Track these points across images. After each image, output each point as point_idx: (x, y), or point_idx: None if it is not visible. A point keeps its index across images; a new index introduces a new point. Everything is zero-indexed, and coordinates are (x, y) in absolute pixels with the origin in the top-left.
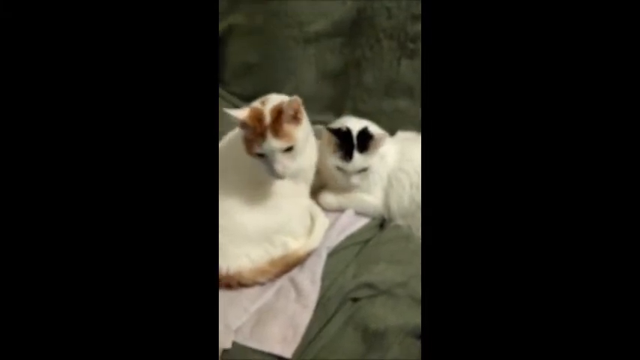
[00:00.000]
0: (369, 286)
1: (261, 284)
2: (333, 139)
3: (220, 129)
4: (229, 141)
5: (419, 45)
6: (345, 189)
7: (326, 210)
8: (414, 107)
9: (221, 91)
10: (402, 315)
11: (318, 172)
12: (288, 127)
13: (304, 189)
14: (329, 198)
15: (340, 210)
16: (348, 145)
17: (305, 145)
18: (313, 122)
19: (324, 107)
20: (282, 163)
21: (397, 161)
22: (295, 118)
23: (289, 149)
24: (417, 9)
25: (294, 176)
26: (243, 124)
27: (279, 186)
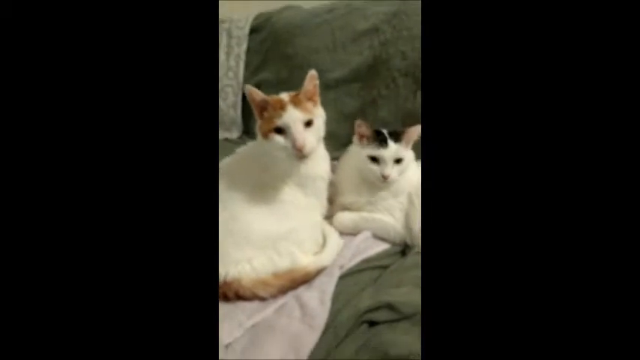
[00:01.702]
0: (390, 307)
1: (262, 299)
2: (367, 130)
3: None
4: (242, 150)
5: None
6: (374, 189)
7: (341, 232)
8: None
9: (245, 139)
10: None
11: (337, 186)
12: (307, 103)
13: (315, 204)
14: (344, 217)
15: (356, 232)
16: (382, 136)
17: (319, 132)
18: (330, 159)
19: (340, 145)
20: (303, 135)
21: (418, 180)
22: (312, 100)
23: (309, 124)
24: None
25: (304, 184)
26: (263, 101)
27: (290, 195)
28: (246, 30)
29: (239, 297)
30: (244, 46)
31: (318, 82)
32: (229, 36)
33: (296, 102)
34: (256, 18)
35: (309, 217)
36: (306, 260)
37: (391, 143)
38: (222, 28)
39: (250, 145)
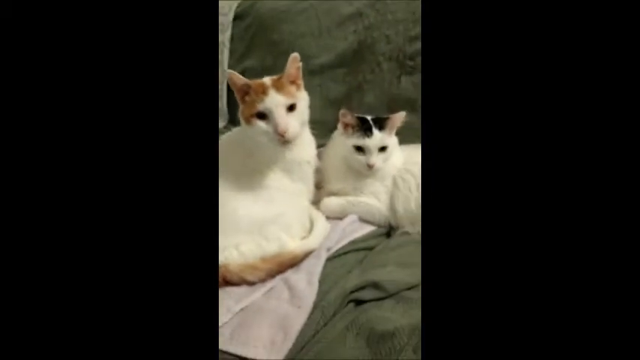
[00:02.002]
0: (375, 286)
1: (250, 284)
2: (352, 119)
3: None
4: (226, 137)
5: (418, 61)
6: (360, 176)
7: (328, 217)
8: (416, 119)
9: (230, 128)
10: (415, 318)
11: (324, 174)
12: (289, 86)
13: (302, 190)
14: (331, 202)
15: (343, 216)
16: (366, 124)
17: (303, 116)
18: (317, 146)
19: (327, 131)
20: (286, 120)
21: (403, 163)
22: (295, 83)
23: (291, 109)
24: (414, 31)
25: (290, 169)
26: (245, 85)
27: (276, 180)
28: (230, 17)
29: (227, 282)
30: (228, 34)
31: (300, 64)
32: None
33: (278, 86)
34: (240, 4)
35: (296, 202)
36: (294, 244)
37: (376, 132)
38: None
39: (234, 131)
